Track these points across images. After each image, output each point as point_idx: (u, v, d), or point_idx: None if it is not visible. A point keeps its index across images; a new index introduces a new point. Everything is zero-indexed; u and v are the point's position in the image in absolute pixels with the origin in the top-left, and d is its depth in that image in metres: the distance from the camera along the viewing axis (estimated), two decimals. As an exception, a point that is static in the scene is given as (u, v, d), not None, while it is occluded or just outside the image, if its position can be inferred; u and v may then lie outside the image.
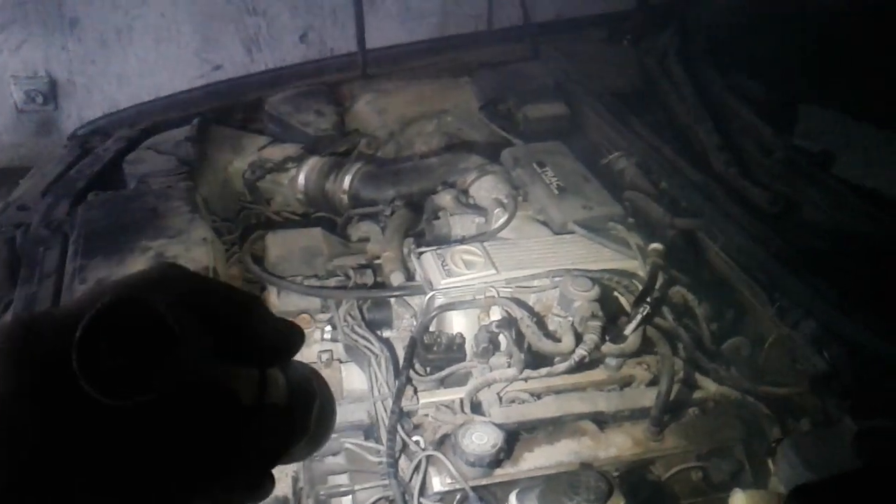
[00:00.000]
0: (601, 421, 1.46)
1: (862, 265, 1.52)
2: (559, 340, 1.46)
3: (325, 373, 1.49)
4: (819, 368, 1.43)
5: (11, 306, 1.61)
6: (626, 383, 1.54)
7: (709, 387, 1.50)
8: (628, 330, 1.46)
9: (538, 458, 1.37)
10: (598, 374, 1.52)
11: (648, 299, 1.48)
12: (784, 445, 1.29)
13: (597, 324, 1.44)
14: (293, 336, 0.49)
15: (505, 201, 1.80)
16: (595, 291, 1.47)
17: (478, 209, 1.85)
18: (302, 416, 0.51)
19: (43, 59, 3.70)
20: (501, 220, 1.75)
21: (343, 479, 1.37)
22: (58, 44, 3.66)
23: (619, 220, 1.73)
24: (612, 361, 1.52)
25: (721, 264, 1.68)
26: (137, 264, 1.59)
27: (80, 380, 0.36)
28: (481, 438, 1.32)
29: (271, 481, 0.48)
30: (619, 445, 1.41)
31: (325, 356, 1.53)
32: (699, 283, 1.65)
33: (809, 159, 1.72)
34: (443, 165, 2.02)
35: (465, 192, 1.90)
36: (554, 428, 1.43)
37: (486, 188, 1.88)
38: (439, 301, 1.54)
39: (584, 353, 1.40)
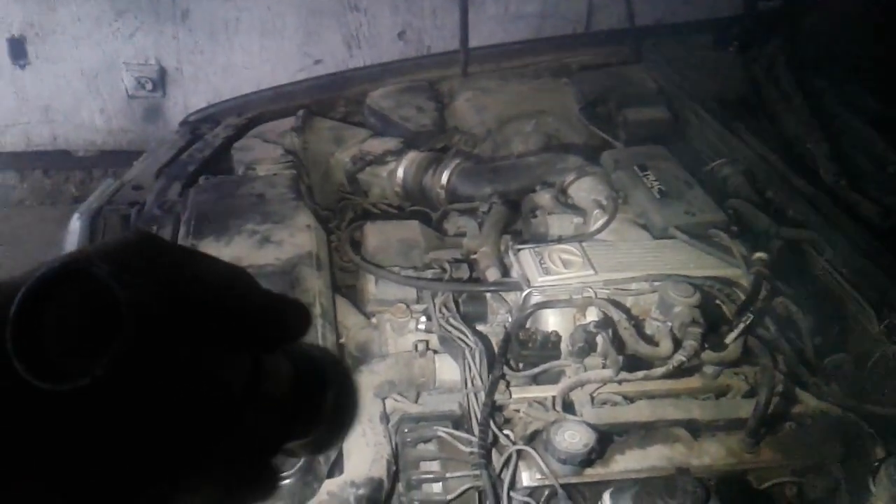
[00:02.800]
0: (694, 429, 1.44)
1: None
2: (657, 345, 1.45)
3: (419, 362, 1.52)
4: (928, 389, 1.38)
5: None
6: (721, 393, 1.52)
7: (808, 402, 1.47)
8: (729, 339, 1.44)
9: (629, 461, 1.36)
10: (693, 382, 1.51)
11: (751, 309, 1.45)
12: (887, 466, 1.25)
13: (697, 330, 1.42)
14: (290, 316, 0.42)
15: (605, 203, 1.79)
16: (696, 297, 1.45)
17: (577, 209, 1.84)
18: (308, 407, 0.46)
19: (154, 47, 3.85)
20: (601, 222, 1.74)
21: (434, 465, 1.39)
22: (169, 33, 3.81)
23: (723, 228, 1.70)
24: (708, 370, 1.50)
25: (827, 277, 1.64)
26: (245, 247, 1.65)
27: (13, 359, 0.31)
28: (573, 437, 1.32)
29: (269, 476, 0.44)
30: (712, 454, 1.39)
31: (420, 346, 1.56)
32: (804, 296, 1.61)
33: (926, 175, 1.66)
34: (542, 165, 2.02)
35: (564, 191, 1.90)
36: (646, 432, 1.42)
37: (585, 189, 1.87)
38: (536, 298, 1.55)
39: (684, 358, 1.39)
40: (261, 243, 1.67)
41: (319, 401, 0.48)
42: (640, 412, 1.45)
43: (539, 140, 2.26)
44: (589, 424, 1.35)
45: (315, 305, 1.53)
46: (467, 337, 1.54)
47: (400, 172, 2.12)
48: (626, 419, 1.44)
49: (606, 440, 1.38)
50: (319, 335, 1.48)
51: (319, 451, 0.49)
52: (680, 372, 1.46)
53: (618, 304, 1.50)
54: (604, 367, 1.43)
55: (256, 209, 1.79)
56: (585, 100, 2.38)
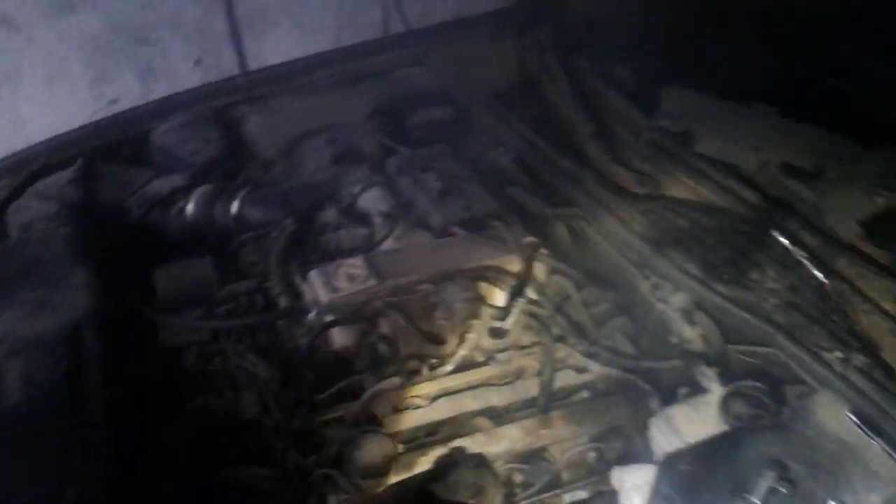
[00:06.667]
0: (496, 415, 1.50)
1: (723, 238, 1.59)
2: (443, 342, 1.49)
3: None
4: (688, 339, 1.49)
5: None
6: (518, 376, 1.58)
7: (594, 369, 1.55)
8: (507, 324, 1.50)
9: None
10: (489, 371, 1.55)
11: (524, 291, 1.52)
12: (657, 418, 1.34)
13: (478, 322, 1.47)
14: None
15: (388, 212, 1.82)
16: (474, 291, 1.50)
17: (364, 222, 1.86)
18: None
19: (-69, 111, 3.59)
20: (385, 231, 1.77)
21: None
22: (-55, 95, 3.57)
23: (500, 217, 1.76)
24: (502, 356, 1.55)
25: (599, 249, 1.73)
26: (17, 318, 1.57)
27: None
28: (371, 451, 1.34)
29: None
30: (511, 437, 1.45)
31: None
32: (582, 270, 1.69)
33: (673, 138, 1.78)
34: (330, 181, 2.03)
35: (352, 205, 1.92)
36: (450, 428, 1.46)
37: (371, 200, 1.90)
38: (326, 318, 1.56)
39: (465, 352, 1.44)
40: (36, 310, 1.60)
41: None
42: (440, 410, 1.48)
43: (331, 154, 2.27)
44: (387, 434, 1.38)
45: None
46: (261, 369, 1.52)
47: (190, 209, 2.07)
48: (430, 419, 1.47)
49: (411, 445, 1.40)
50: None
51: None
52: (474, 364, 1.51)
53: (403, 310, 1.53)
54: (396, 374, 1.46)
55: (31, 274, 1.71)
56: (373, 108, 2.40)
